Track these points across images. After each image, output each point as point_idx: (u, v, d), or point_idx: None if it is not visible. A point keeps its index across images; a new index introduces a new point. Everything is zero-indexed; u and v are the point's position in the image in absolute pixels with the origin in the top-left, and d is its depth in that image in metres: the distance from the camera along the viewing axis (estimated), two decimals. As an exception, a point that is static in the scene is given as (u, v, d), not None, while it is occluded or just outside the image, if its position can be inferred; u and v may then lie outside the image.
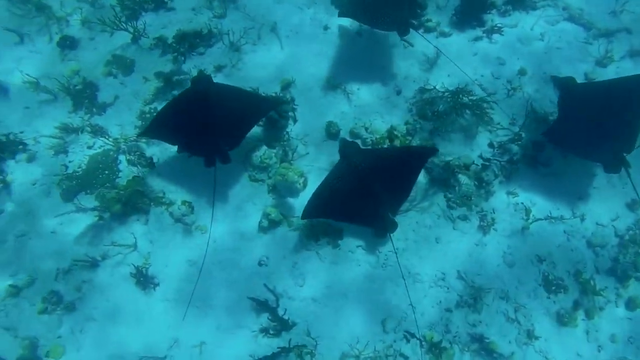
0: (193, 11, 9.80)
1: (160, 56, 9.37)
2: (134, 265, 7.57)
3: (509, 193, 8.28)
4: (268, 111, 7.72)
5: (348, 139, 7.97)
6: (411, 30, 8.27)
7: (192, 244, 7.87)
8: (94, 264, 7.72)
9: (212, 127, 7.01)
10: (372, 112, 8.95)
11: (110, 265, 7.82)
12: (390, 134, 8.54)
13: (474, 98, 8.66)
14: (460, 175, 8.25)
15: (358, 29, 9.63)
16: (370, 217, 7.26)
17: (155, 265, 7.78)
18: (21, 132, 8.78)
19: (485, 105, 8.61)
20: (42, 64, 9.40)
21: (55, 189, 8.27)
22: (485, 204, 8.18)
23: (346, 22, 9.47)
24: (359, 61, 9.37)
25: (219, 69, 9.15)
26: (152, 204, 8.11)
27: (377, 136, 8.52)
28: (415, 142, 8.57)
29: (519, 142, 8.50)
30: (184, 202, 8.04)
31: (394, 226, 7.31)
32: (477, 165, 8.38)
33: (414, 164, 7.50)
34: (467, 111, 8.62)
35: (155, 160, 8.49)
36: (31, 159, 8.59)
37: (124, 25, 9.37)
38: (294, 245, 7.82)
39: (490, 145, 8.67)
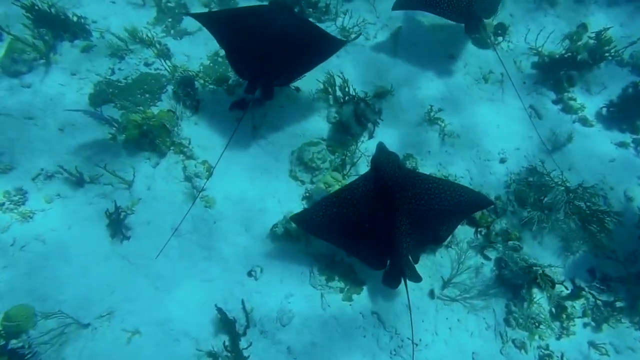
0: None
1: None
2: (114, 203, 6.20)
3: (592, 344, 6.00)
4: (331, 54, 6.55)
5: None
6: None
7: (188, 214, 6.38)
8: (79, 181, 6.47)
9: (269, 52, 6.16)
10: (461, 167, 7.13)
11: (93, 192, 6.55)
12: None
13: (596, 207, 6.58)
14: (537, 290, 6.15)
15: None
16: (380, 253, 5.49)
17: (138, 217, 6.38)
18: (94, 22, 7.96)
19: (607, 219, 6.48)
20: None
21: (90, 87, 7.25)
22: (553, 342, 5.98)
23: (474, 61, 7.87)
24: (473, 102, 7.69)
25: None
26: (172, 147, 6.80)
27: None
28: (500, 225, 6.62)
29: (631, 286, 6.25)
30: (204, 162, 6.65)
31: (414, 274, 5.48)
32: (565, 288, 6.23)
33: (463, 206, 5.68)
34: (576, 219, 6.56)
35: (200, 105, 7.25)
36: (86, 50, 7.68)
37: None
38: (299, 272, 6.08)
39: (591, 272, 6.49)
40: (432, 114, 7.41)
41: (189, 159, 6.74)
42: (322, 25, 8.18)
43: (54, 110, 7.07)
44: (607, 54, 7.93)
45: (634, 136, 7.69)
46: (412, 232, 5.49)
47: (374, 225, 5.45)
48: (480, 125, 7.62)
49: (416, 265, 5.64)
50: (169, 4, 8.25)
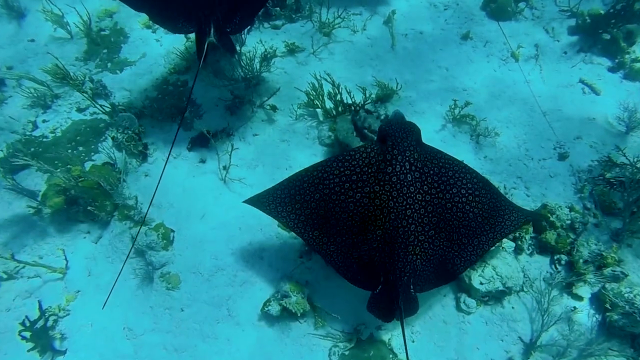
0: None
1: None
2: (39, 305, 4.33)
3: None
4: None
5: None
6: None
7: (148, 300, 4.50)
8: (-10, 280, 4.64)
9: None
10: (510, 174, 5.21)
11: (12, 292, 4.68)
12: (543, 215, 4.70)
13: None
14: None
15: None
16: (370, 265, 3.67)
17: (77, 318, 4.49)
18: (9, 68, 6.31)
19: None
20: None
21: (4, 150, 5.50)
22: None
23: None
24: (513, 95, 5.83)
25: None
26: (115, 213, 4.96)
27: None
28: (587, 248, 4.63)
29: None
30: (159, 227, 4.78)
31: (411, 304, 3.71)
32: None
33: (500, 219, 3.86)
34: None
35: (149, 151, 5.46)
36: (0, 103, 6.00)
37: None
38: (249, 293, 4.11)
39: None
40: (457, 111, 5.53)
41: (138, 225, 4.87)
42: (296, 26, 6.51)
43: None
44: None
45: None
46: (425, 241, 3.65)
47: (368, 222, 3.63)
48: (521, 115, 5.74)
49: (470, 318, 3.70)
50: (102, 33, 6.61)
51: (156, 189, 4.37)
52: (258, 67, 5.69)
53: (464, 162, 4.02)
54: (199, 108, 5.87)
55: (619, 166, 5.14)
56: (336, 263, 3.74)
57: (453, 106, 5.53)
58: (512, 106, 5.79)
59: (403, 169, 3.63)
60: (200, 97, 5.92)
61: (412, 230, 3.59)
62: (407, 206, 3.60)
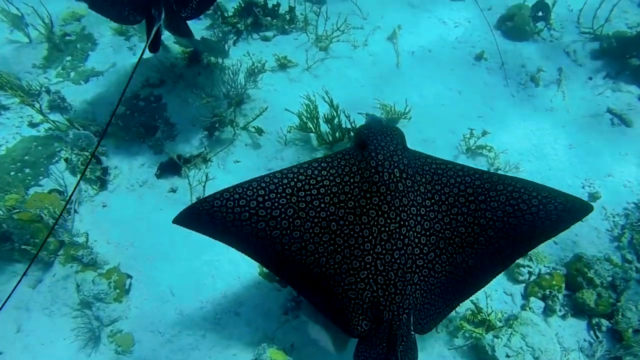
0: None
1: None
2: None
3: None
4: None
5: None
6: None
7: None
8: None
9: None
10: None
11: None
12: (578, 270, 3.93)
13: None
14: None
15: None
16: (355, 304, 2.80)
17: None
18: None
19: None
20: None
21: None
22: None
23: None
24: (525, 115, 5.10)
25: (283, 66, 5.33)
26: (59, 253, 4.05)
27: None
28: (633, 311, 3.83)
29: None
30: (112, 273, 3.88)
31: (411, 352, 2.80)
32: None
33: (535, 216, 2.86)
34: None
35: (110, 177, 4.59)
36: (-61, 114, 5.10)
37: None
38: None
39: None
40: (472, 141, 4.78)
41: (87, 269, 3.95)
42: (289, 38, 5.76)
43: None
44: None
45: None
46: (425, 267, 2.82)
47: (354, 246, 2.81)
48: (543, 147, 5.03)
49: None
50: (67, 38, 5.78)
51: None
52: (243, 83, 4.89)
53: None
54: (172, 128, 5.03)
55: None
56: (315, 300, 2.87)
57: (468, 135, 4.77)
58: (534, 138, 5.06)
59: (392, 177, 2.84)
60: (175, 115, 5.09)
61: (410, 254, 2.78)
62: (402, 223, 2.79)
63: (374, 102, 5.09)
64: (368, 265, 2.76)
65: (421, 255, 2.80)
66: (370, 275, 2.75)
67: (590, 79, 5.57)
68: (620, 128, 5.24)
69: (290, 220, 2.81)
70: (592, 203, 4.61)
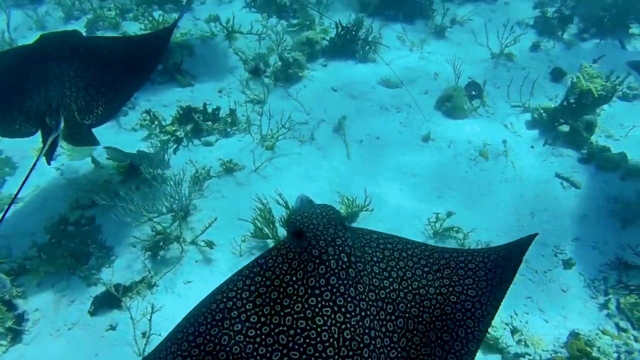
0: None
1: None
2: None
3: None
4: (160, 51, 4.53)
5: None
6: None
7: None
8: None
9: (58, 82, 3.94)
10: (518, 294, 4.21)
11: None
12: (581, 351, 3.59)
13: None
14: None
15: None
16: None
17: None
18: None
19: None
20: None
21: None
22: None
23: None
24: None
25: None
26: None
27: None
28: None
29: None
30: None
31: None
32: None
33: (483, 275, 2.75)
34: None
35: (27, 325, 3.83)
36: None
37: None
38: None
39: None
40: (438, 224, 4.56)
41: None
42: (232, 140, 5.54)
43: None
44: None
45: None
46: (402, 358, 2.50)
47: (310, 358, 2.36)
48: (508, 220, 4.92)
49: None
50: (-18, 167, 5.17)
51: None
52: (187, 194, 4.47)
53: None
54: (109, 251, 4.42)
55: (636, 267, 4.32)
56: None
57: (433, 219, 4.57)
58: (496, 211, 4.97)
59: (341, 263, 2.47)
60: (112, 238, 4.50)
61: (380, 347, 2.39)
62: (363, 314, 2.41)
63: (330, 196, 4.83)
64: None
65: (392, 345, 2.41)
66: None
67: (532, 147, 5.77)
68: (571, 191, 5.31)
69: (228, 349, 2.32)
70: (568, 271, 4.53)
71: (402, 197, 4.99)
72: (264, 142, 5.36)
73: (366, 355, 2.31)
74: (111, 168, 5.07)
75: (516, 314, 4.12)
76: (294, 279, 2.47)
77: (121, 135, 5.64)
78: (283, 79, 6.26)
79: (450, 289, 2.65)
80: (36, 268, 4.16)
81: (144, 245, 4.33)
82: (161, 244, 4.27)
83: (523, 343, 3.89)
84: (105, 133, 5.61)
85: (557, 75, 6.94)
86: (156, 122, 5.52)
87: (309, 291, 2.43)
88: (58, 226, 4.62)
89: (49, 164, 3.88)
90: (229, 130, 5.53)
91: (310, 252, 2.49)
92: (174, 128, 5.47)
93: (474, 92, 6.17)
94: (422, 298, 2.60)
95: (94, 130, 3.97)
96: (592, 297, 4.32)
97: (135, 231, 4.45)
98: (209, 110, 5.52)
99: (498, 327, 3.97)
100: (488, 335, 3.93)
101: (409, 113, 6.01)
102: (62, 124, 3.72)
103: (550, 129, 5.94)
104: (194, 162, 5.08)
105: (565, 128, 5.86)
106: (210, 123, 5.48)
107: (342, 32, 6.71)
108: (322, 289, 2.42)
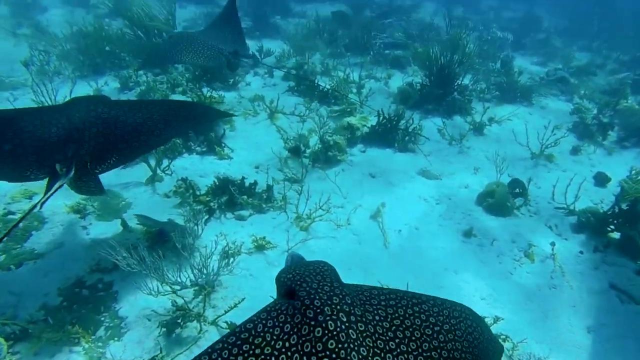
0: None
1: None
2: None
3: None
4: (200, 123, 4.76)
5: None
6: None
7: None
8: None
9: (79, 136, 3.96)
10: None
11: None
12: None
13: None
14: None
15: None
16: None
17: None
18: None
19: None
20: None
21: None
22: None
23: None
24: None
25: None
26: None
27: None
28: None
29: None
30: None
31: None
32: None
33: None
34: None
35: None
36: None
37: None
38: None
39: None
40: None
41: None
42: (266, 217, 5.36)
43: None
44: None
45: None
46: None
47: None
48: (561, 333, 4.38)
49: None
50: (10, 217, 5.07)
51: None
52: (216, 268, 4.19)
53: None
54: (121, 322, 4.05)
55: None
56: None
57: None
58: (547, 321, 4.47)
59: (339, 324, 2.20)
60: (127, 307, 4.17)
61: None
62: None
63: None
64: None
65: None
66: None
67: (582, 252, 5.38)
68: (630, 306, 4.80)
69: None
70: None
71: (442, 294, 4.56)
72: (299, 222, 5.15)
73: None
74: (139, 232, 4.89)
75: None
76: (287, 345, 2.17)
77: (154, 199, 5.54)
78: (322, 161, 6.24)
79: (464, 355, 2.39)
80: (39, 334, 3.80)
81: (160, 321, 3.96)
82: (179, 320, 3.90)
83: None
84: (139, 197, 5.56)
85: (600, 180, 6.76)
86: (190, 191, 5.43)
87: (305, 358, 2.12)
88: (73, 289, 4.34)
89: (40, 208, 3.79)
90: (264, 206, 5.38)
91: (305, 313, 2.23)
92: (207, 198, 5.35)
93: (517, 190, 5.97)
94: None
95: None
96: None
97: (153, 303, 4.12)
98: (246, 184, 5.43)
99: None
100: None
101: (449, 206, 5.79)
102: (72, 173, 3.72)
103: (599, 235, 5.59)
104: (224, 236, 4.86)
105: (616, 235, 5.52)
106: (245, 197, 5.35)
107: (383, 121, 6.81)
108: (320, 355, 2.12)
